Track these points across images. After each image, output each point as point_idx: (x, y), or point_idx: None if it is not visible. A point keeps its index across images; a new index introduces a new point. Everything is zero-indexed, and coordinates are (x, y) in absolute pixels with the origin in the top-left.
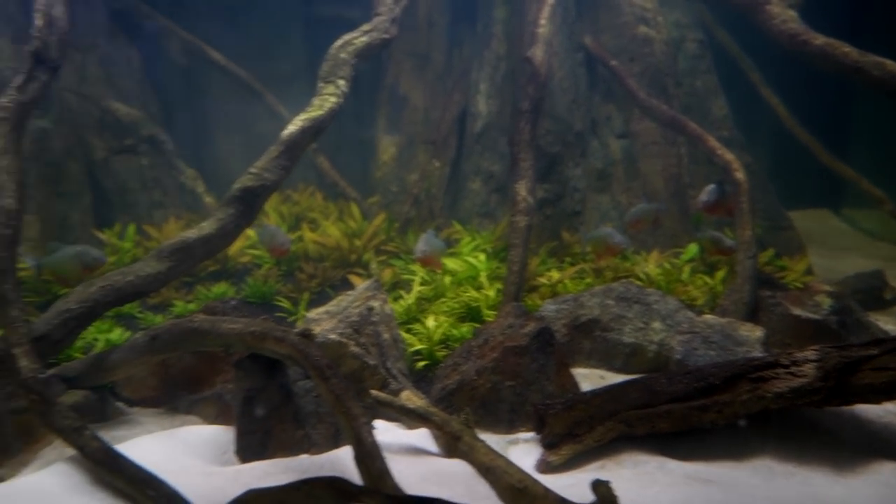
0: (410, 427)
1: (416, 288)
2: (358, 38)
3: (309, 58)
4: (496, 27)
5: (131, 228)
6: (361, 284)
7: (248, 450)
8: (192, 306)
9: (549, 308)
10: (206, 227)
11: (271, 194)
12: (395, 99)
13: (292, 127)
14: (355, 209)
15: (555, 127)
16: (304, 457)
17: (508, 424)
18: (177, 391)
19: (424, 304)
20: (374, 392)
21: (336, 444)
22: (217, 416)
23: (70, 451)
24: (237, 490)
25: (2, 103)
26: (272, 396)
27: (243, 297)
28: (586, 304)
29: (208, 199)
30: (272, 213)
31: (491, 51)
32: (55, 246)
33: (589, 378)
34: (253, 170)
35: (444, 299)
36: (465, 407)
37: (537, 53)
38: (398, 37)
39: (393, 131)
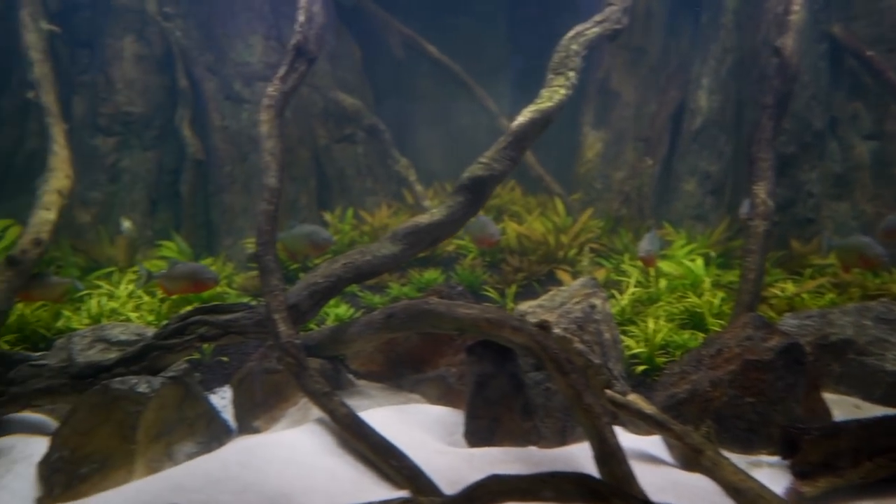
0: (640, 432)
1: (631, 289)
2: (590, 28)
3: (511, 53)
4: (725, 17)
5: (350, 212)
6: (576, 281)
7: (476, 434)
8: (406, 289)
9: (789, 322)
10: (437, 213)
11: (499, 184)
12: (604, 93)
13: (521, 118)
14: (560, 205)
15: (790, 125)
16: (533, 448)
17: (745, 444)
18: (401, 369)
19: (639, 306)
20: (609, 392)
21: (563, 440)
22: (440, 397)
23: (313, 414)
24: (471, 472)
25: (268, 92)
26: (502, 385)
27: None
28: (836, 323)
29: (419, 188)
30: None
31: (718, 43)
32: (292, 224)
33: (840, 405)
34: (482, 160)
35: (660, 303)
36: (700, 418)
37: (788, 43)
38: None
39: (600, 127)
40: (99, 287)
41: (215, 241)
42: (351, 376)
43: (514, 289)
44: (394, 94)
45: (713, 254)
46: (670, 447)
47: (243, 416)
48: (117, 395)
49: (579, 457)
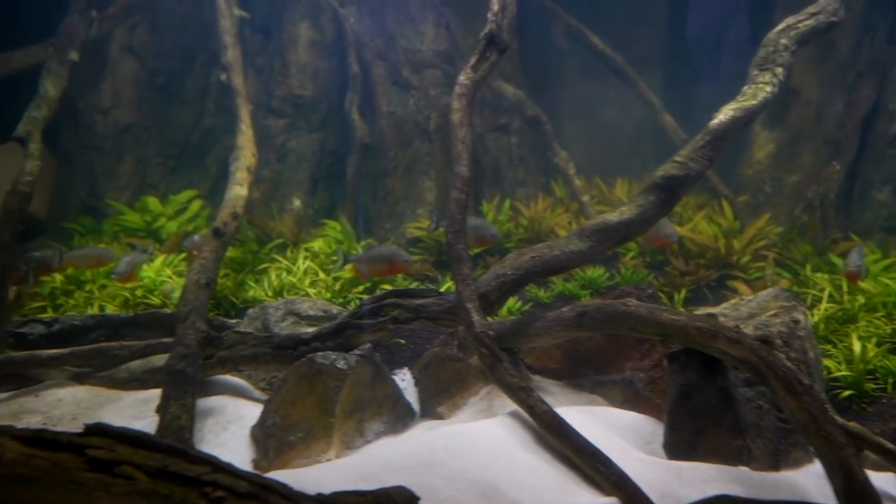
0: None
1: (824, 305)
2: (803, 21)
3: (667, 45)
4: None
5: (507, 203)
6: (765, 292)
7: (676, 447)
8: (570, 286)
9: None
10: (627, 211)
11: (693, 185)
12: (781, 90)
13: (721, 116)
14: (727, 207)
15: None
16: (744, 469)
17: None
18: (581, 368)
19: (832, 324)
20: (840, 419)
21: (776, 464)
22: (624, 402)
23: (498, 405)
24: (682, 487)
25: (460, 80)
26: (709, 398)
27: (615, 283)
28: None
29: (578, 182)
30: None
31: None
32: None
33: None
34: (678, 158)
35: (860, 323)
36: None
37: None
38: None
39: (774, 126)
40: (275, 261)
41: (372, 224)
42: (526, 371)
43: (683, 294)
44: (540, 85)
45: None
46: None
47: (427, 401)
48: (321, 368)
49: (804, 485)
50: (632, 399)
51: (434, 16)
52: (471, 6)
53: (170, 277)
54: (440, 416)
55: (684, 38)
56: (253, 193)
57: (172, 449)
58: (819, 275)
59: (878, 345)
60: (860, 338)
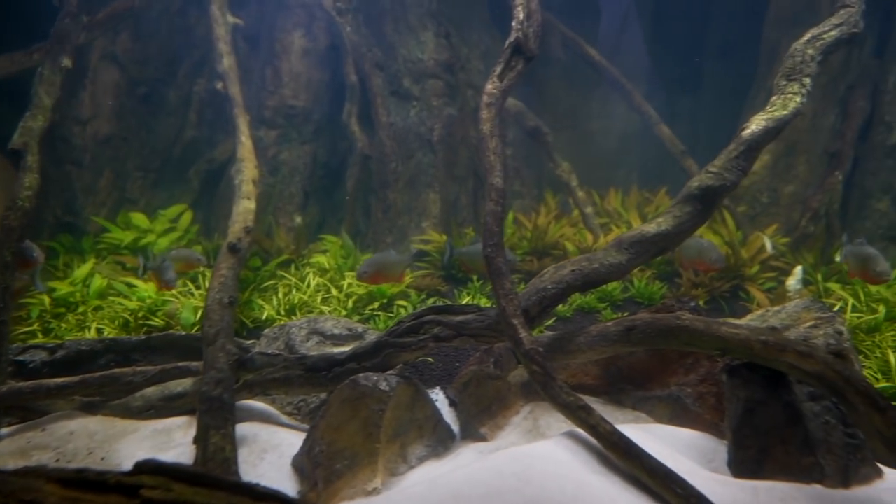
0: None
1: (848, 315)
2: (827, 32)
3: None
4: None
5: (510, 216)
6: (795, 303)
7: (742, 465)
8: (588, 299)
9: None
10: (663, 222)
11: (728, 195)
12: None
13: (754, 126)
14: (729, 218)
15: None
16: (818, 487)
17: None
18: (621, 384)
19: (859, 334)
20: None
21: (846, 481)
22: (671, 418)
23: (542, 424)
24: None
25: (487, 90)
26: (774, 414)
27: (629, 296)
28: None
29: (581, 194)
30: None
31: None
32: (476, 239)
33: None
34: (712, 169)
35: (886, 333)
36: None
37: None
38: None
39: None
40: (281, 278)
41: (373, 238)
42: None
43: (701, 305)
44: (525, 97)
45: None
46: None
47: (468, 422)
48: (364, 391)
49: (880, 501)
50: (680, 415)
51: (434, 25)
52: (466, 17)
53: (174, 297)
54: (483, 438)
55: (666, 52)
56: None
57: (237, 486)
58: (833, 284)
59: None
60: (891, 348)
